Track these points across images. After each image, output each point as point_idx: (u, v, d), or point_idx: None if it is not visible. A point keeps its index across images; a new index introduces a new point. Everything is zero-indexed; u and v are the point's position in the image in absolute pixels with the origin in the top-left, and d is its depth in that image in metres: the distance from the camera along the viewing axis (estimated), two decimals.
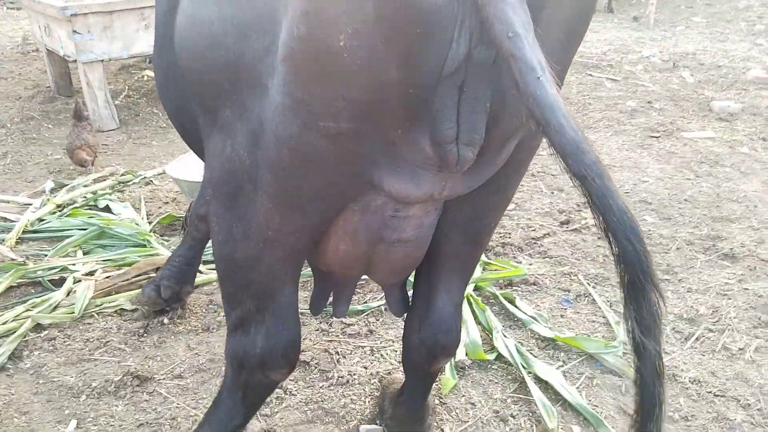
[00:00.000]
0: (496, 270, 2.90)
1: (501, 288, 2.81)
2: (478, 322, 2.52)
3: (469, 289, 2.74)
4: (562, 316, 2.58)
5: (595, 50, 7.56)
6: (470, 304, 2.63)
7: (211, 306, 2.69)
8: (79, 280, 2.82)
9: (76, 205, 3.63)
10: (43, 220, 3.48)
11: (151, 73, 6.55)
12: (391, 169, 1.18)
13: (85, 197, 3.74)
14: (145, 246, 3.14)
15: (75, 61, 4.92)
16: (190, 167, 3.60)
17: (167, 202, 3.77)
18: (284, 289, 1.44)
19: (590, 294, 2.72)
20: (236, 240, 1.37)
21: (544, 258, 3.03)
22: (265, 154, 1.21)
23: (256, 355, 1.48)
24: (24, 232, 3.35)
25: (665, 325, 2.51)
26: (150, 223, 3.43)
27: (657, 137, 4.68)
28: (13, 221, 3.50)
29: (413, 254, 1.43)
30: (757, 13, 9.83)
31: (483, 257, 3.04)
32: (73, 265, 2.95)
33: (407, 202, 1.25)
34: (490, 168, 1.27)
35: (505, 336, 2.42)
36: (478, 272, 2.89)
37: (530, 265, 2.95)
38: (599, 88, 6.03)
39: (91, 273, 2.90)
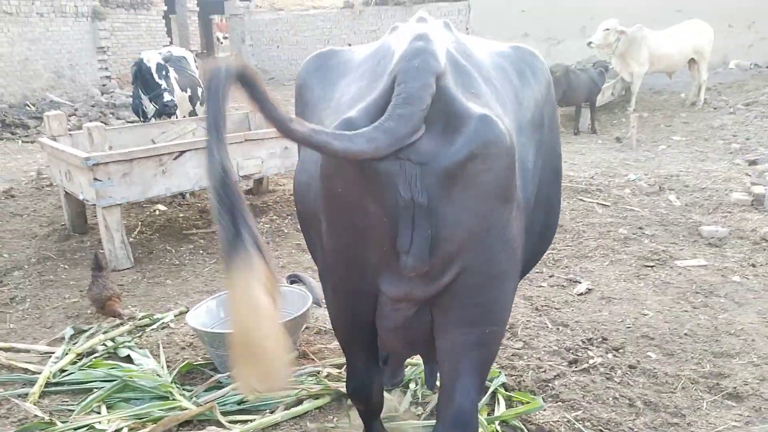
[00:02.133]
0: (517, 404, 3.07)
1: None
2: None
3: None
4: None
5: (583, 173, 7.97)
6: None
7: None
8: None
9: (96, 354, 3.73)
10: (65, 370, 3.57)
11: (163, 207, 6.85)
12: (383, 276, 1.86)
13: (105, 344, 3.85)
14: (167, 398, 3.22)
15: (94, 204, 5.19)
16: (209, 314, 3.75)
17: (184, 347, 3.88)
18: (356, 351, 2.24)
19: None
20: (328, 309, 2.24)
21: (556, 402, 3.13)
22: (321, 259, 2.09)
23: (348, 393, 2.39)
24: (46, 384, 3.43)
25: None
26: (170, 371, 3.52)
27: (651, 266, 4.90)
28: (34, 372, 3.59)
29: (414, 336, 2.04)
30: (732, 131, 10.43)
31: (504, 390, 3.16)
32: (99, 423, 3.01)
33: (391, 298, 1.89)
34: (437, 280, 1.81)
35: None
36: (503, 406, 3.05)
37: (544, 411, 3.04)
38: (591, 214, 6.33)
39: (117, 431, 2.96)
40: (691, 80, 12.76)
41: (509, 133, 1.71)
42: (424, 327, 1.96)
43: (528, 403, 3.02)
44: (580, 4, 15.95)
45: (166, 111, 6.92)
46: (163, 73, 6.88)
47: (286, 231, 6.13)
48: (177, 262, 5.39)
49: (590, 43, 11.78)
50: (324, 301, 2.36)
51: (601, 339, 3.79)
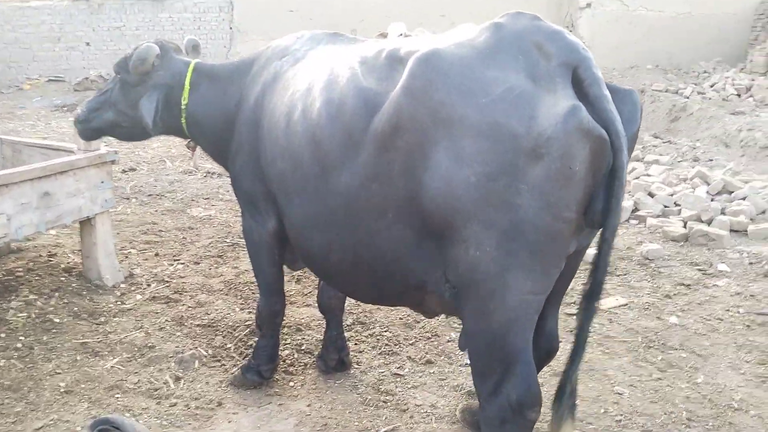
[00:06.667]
0: None
1: None
2: None
3: None
4: None
5: None
6: None
7: None
8: None
9: None
10: None
11: None
12: (575, 236, 2.07)
13: None
14: None
15: None
16: None
17: None
18: (529, 339, 2.13)
19: None
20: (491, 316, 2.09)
21: None
22: (522, 241, 1.96)
23: (514, 402, 2.10)
24: None
25: None
26: None
27: (573, 315, 4.03)
28: None
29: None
30: None
31: None
32: None
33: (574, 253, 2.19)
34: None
35: None
36: None
37: None
38: None
39: None
40: None
41: None
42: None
43: None
44: (349, 6, 15.48)
45: None
46: None
47: (57, 321, 3.98)
48: None
49: None
50: None
51: None
